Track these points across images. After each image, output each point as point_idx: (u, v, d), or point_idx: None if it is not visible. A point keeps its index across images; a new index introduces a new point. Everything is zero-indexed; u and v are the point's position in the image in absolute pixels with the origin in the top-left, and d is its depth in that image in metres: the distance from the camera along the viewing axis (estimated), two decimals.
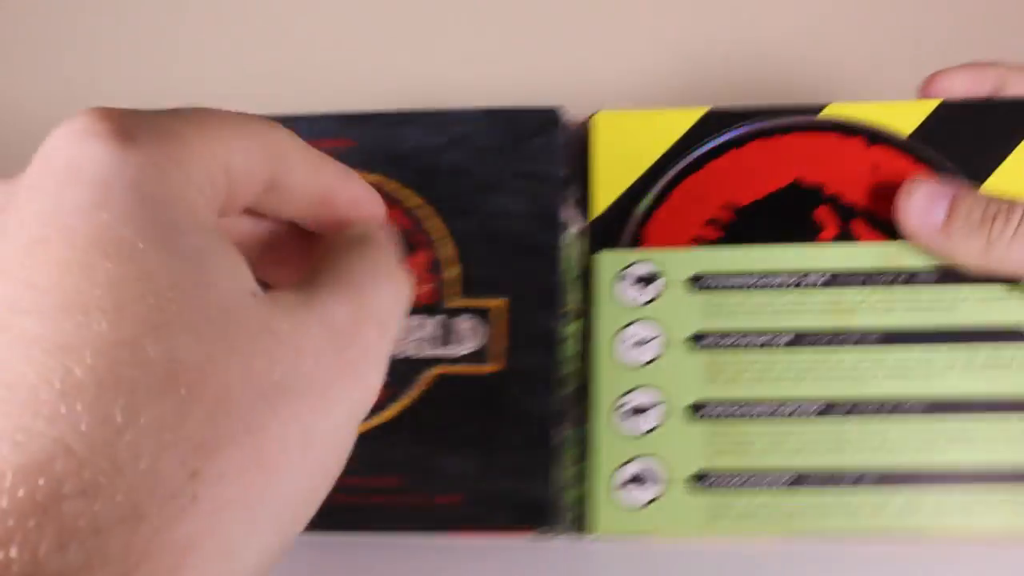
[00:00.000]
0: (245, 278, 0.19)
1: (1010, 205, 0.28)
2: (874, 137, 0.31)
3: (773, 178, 0.31)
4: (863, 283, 0.29)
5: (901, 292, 0.29)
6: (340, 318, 0.20)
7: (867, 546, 0.29)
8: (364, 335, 0.20)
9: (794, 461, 0.29)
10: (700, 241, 0.31)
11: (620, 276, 0.30)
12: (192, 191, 0.19)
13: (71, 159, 0.18)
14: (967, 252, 0.29)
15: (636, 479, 0.29)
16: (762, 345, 0.29)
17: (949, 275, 0.29)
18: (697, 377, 0.29)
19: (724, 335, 0.29)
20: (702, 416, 0.29)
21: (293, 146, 0.22)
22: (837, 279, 0.30)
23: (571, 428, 0.30)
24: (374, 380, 0.20)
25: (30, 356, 0.16)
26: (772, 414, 0.29)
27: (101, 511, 0.15)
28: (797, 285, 0.30)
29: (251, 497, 0.17)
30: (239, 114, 0.21)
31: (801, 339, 0.29)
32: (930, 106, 0.31)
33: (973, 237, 0.28)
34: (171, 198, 0.18)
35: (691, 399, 0.29)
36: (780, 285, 0.30)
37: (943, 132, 0.31)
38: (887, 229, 0.30)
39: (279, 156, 0.21)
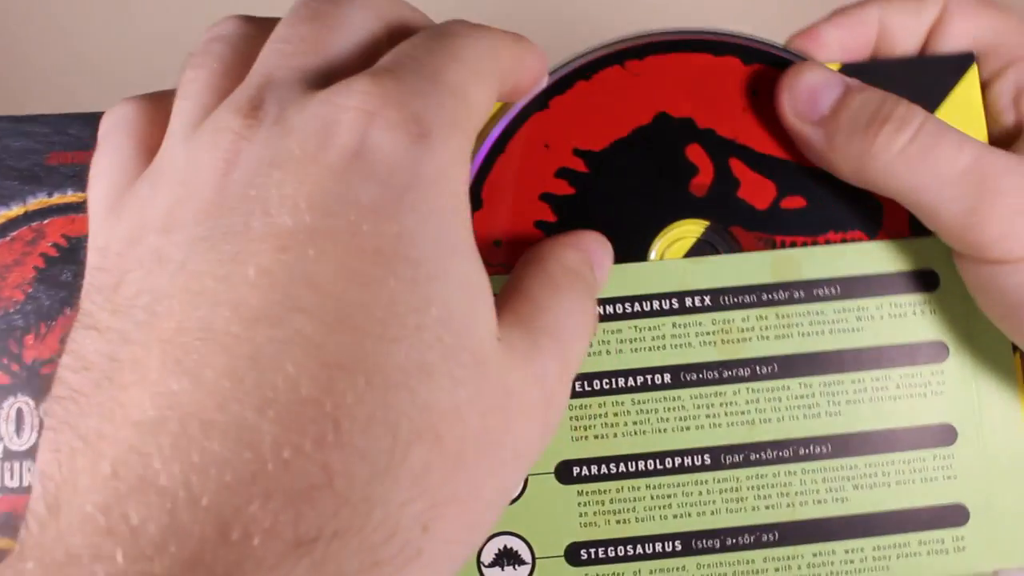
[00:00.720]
0: (492, 316, 0.18)
1: (908, 111, 0.22)
2: (751, 55, 0.25)
3: (633, 113, 0.25)
4: (754, 303, 0.24)
5: (799, 310, 0.24)
6: (551, 377, 0.19)
7: None
8: (563, 395, 0.20)
9: (683, 523, 0.24)
10: (550, 199, 0.24)
11: None
12: (465, 193, 0.18)
13: (360, 145, 0.16)
14: (844, 157, 0.23)
15: (501, 559, 0.24)
16: (638, 387, 0.24)
17: (854, 285, 0.24)
18: (560, 432, 0.24)
19: (591, 377, 0.24)
20: (570, 480, 0.24)
21: (506, 51, 0.20)
22: (723, 299, 0.24)
23: None
24: (554, 432, 0.20)
25: (304, 365, 0.15)
26: (653, 470, 0.24)
27: (348, 554, 0.14)
28: (675, 310, 0.24)
29: (456, 554, 0.17)
30: (485, 66, 0.19)
31: (682, 376, 0.24)
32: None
33: (854, 140, 0.22)
34: (455, 211, 0.17)
35: (555, 460, 0.24)
36: (655, 312, 0.24)
37: None
38: (772, 167, 0.25)
39: (504, 73, 0.20)
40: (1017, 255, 0.21)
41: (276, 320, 0.15)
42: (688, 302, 0.24)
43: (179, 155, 0.18)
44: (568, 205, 0.25)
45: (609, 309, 0.24)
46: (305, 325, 0.15)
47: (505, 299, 0.20)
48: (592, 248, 0.22)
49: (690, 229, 0.25)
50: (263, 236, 0.16)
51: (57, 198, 0.25)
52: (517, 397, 0.18)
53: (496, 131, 0.25)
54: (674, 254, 0.25)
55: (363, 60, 0.19)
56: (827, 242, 0.24)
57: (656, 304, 0.24)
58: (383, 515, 0.15)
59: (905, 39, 0.25)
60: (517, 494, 0.24)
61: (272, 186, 0.16)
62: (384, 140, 0.16)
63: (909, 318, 0.24)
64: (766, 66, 0.25)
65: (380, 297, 0.15)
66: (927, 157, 0.22)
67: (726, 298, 0.24)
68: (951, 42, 0.25)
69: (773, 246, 0.25)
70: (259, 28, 0.20)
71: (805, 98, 0.23)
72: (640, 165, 0.25)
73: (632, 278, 0.24)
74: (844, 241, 0.24)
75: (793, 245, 0.24)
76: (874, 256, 0.24)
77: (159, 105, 0.20)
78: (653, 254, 0.25)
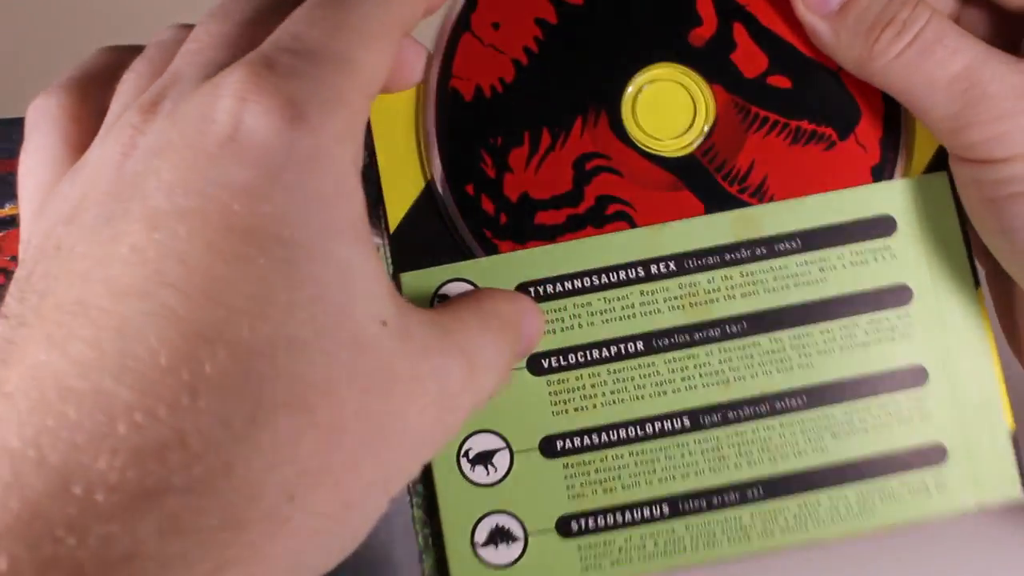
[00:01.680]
0: (380, 302, 0.18)
1: (912, 14, 0.23)
2: None
3: None
4: (718, 264, 0.25)
5: (762, 267, 0.25)
6: (453, 380, 0.19)
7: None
8: (465, 407, 0.20)
9: (668, 486, 0.24)
10: (557, 1, 0.25)
11: (435, 300, 0.25)
12: (352, 172, 0.18)
13: (234, 130, 0.17)
14: (847, 55, 0.24)
15: (494, 538, 0.25)
16: (613, 357, 0.25)
17: (815, 237, 0.25)
18: (541, 408, 0.25)
19: (566, 352, 0.25)
20: (555, 454, 0.25)
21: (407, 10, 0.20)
22: (686, 264, 0.25)
23: (414, 484, 0.25)
24: (452, 435, 0.20)
25: (166, 336, 0.15)
26: (635, 437, 0.25)
27: (204, 511, 0.15)
28: (642, 278, 0.25)
29: (332, 530, 0.17)
30: (376, 24, 0.19)
31: (655, 343, 0.25)
32: None
33: (857, 40, 0.24)
34: (334, 192, 0.17)
35: (538, 435, 0.25)
36: (622, 282, 0.25)
37: None
38: (771, 43, 0.25)
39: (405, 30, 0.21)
40: (999, 155, 0.22)
41: (145, 294, 0.16)
42: (654, 269, 0.25)
43: (94, 152, 0.19)
44: (572, 13, 0.25)
45: (578, 283, 0.25)
46: (171, 299, 0.16)
47: (435, 309, 0.21)
48: (526, 316, 0.23)
49: (671, 73, 0.25)
50: (139, 218, 0.16)
51: (9, 209, 0.26)
52: (405, 383, 0.18)
53: None
54: (646, 99, 0.25)
55: None
56: (797, 129, 0.25)
57: (623, 274, 0.25)
58: (244, 477, 0.15)
59: None
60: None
61: (152, 173, 0.17)
62: (257, 124, 0.17)
63: (871, 264, 0.25)
64: None
65: (248, 274, 0.16)
66: (923, 62, 0.23)
67: (690, 262, 0.25)
68: None
69: (746, 115, 0.25)
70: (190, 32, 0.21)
71: None
72: (650, 1, 0.25)
73: (596, 250, 0.25)
74: (814, 132, 0.25)
75: (765, 120, 0.25)
76: (831, 206, 0.25)
77: (83, 96, 0.21)
78: (631, 88, 0.25)
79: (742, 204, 0.25)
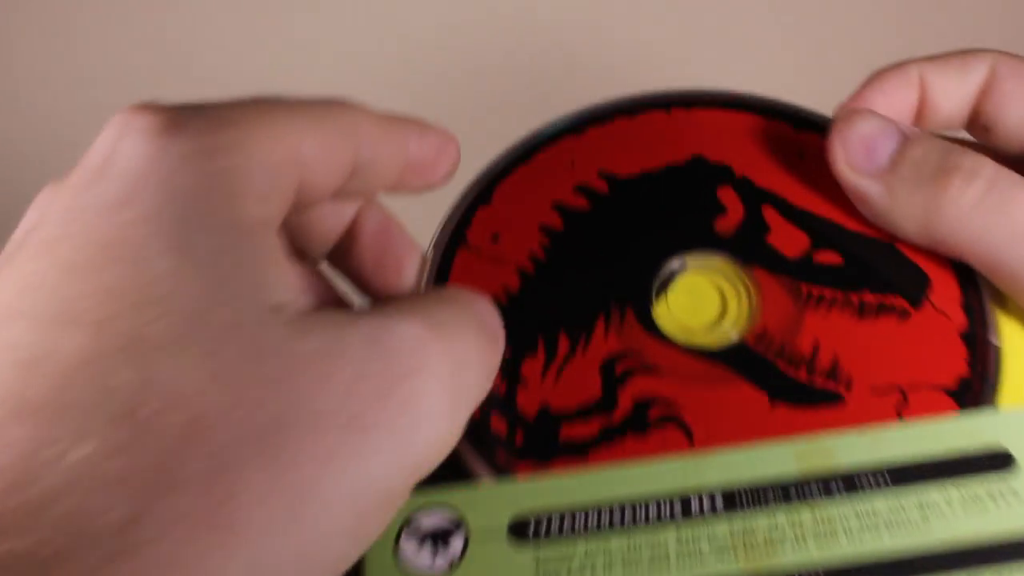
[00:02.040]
0: (271, 289, 0.16)
1: (976, 161, 0.20)
2: (803, 122, 0.24)
3: (669, 152, 0.24)
4: (781, 501, 0.19)
5: (842, 507, 0.18)
6: (401, 336, 0.16)
7: None
8: (434, 365, 0.16)
9: None
10: (563, 209, 0.23)
11: (402, 534, 0.19)
12: (240, 181, 0.17)
13: (108, 154, 0.16)
14: (910, 213, 0.21)
15: None
16: None
17: (907, 472, 0.19)
18: None
19: None
20: None
21: (368, 120, 0.19)
22: (739, 499, 0.19)
23: None
24: (440, 431, 0.16)
25: (10, 372, 0.14)
26: None
27: (19, 551, 0.13)
28: (680, 516, 0.19)
29: (205, 561, 0.14)
30: (311, 101, 0.19)
31: None
32: None
33: (919, 193, 0.20)
34: (206, 189, 0.16)
35: None
36: (652, 520, 0.19)
37: None
38: (809, 222, 0.22)
39: (358, 135, 0.19)
40: None
41: None
42: (694, 506, 0.19)
43: None
44: (579, 219, 0.23)
45: (593, 520, 0.19)
46: (17, 330, 0.15)
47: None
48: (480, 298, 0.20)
49: (701, 261, 0.22)
50: (15, 260, 0.16)
51: None
52: (315, 364, 0.15)
53: (522, 142, 0.25)
54: (677, 288, 0.22)
55: None
56: (861, 303, 0.21)
57: (653, 511, 0.19)
58: (62, 504, 0.13)
59: (949, 103, 0.23)
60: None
61: (40, 218, 0.16)
62: (132, 142, 0.16)
63: (989, 507, 0.18)
64: (817, 134, 0.23)
65: (96, 283, 0.15)
66: (1004, 211, 0.20)
67: (744, 496, 0.19)
68: (1003, 109, 0.22)
69: (798, 293, 0.21)
70: None
71: (860, 149, 0.21)
72: (665, 197, 0.23)
73: (620, 480, 0.19)
74: (881, 304, 0.21)
75: (821, 298, 0.21)
76: (922, 436, 0.19)
77: None
78: (658, 279, 0.22)
79: (815, 392, 0.20)
